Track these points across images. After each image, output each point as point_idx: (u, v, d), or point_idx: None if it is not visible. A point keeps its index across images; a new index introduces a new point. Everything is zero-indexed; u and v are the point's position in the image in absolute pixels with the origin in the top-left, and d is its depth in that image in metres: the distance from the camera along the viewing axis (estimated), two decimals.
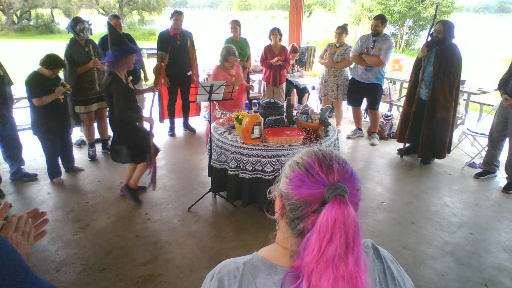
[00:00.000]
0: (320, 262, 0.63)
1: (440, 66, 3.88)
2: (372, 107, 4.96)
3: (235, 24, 5.34)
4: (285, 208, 0.75)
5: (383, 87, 5.12)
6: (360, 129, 5.30)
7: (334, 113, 5.61)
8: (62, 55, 3.76)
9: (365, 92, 4.85)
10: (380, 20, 4.61)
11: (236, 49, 3.90)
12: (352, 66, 5.07)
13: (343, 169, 0.73)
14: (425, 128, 4.10)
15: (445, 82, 3.90)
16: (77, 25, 3.90)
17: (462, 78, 4.15)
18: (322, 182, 0.70)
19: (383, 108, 5.78)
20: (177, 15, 4.71)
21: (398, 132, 4.57)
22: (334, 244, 0.63)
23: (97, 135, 4.48)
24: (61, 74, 3.69)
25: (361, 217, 0.71)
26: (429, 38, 4.01)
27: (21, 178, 3.75)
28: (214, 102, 3.41)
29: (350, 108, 6.55)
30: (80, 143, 4.73)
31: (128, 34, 4.72)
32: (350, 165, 0.76)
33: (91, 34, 4.10)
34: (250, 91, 4.83)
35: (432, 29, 4.01)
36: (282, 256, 0.77)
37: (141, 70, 4.93)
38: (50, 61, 3.39)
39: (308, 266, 0.65)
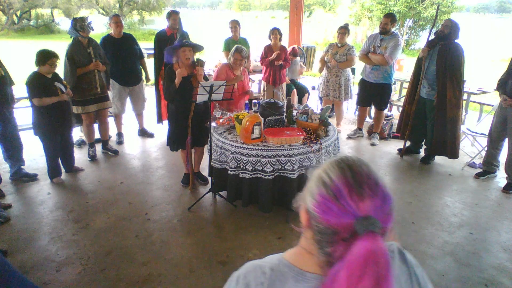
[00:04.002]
0: None
1: (446, 65, 3.87)
2: (379, 107, 4.93)
3: (235, 24, 5.34)
4: (312, 227, 0.70)
5: (392, 87, 5.02)
6: (361, 129, 5.29)
7: (334, 113, 5.60)
8: (63, 55, 3.76)
9: (374, 92, 4.79)
10: (391, 18, 4.53)
11: (246, 51, 3.91)
12: (355, 65, 5.06)
13: (374, 195, 0.66)
14: (436, 128, 4.05)
15: (454, 81, 3.87)
16: (77, 23, 3.87)
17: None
18: (352, 212, 0.64)
19: None
20: (174, 15, 4.70)
21: (401, 130, 4.56)
22: (364, 283, 0.58)
23: (97, 135, 4.48)
24: (61, 74, 3.69)
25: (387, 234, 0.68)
26: (431, 37, 4.00)
27: (21, 178, 3.75)
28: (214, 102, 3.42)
29: (349, 108, 6.58)
30: (80, 143, 4.72)
31: (129, 34, 4.73)
32: (381, 181, 0.69)
33: (92, 29, 4.06)
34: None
35: (434, 29, 4.01)
36: (309, 261, 0.74)
37: (142, 70, 4.91)
38: (41, 56, 3.38)
39: None
